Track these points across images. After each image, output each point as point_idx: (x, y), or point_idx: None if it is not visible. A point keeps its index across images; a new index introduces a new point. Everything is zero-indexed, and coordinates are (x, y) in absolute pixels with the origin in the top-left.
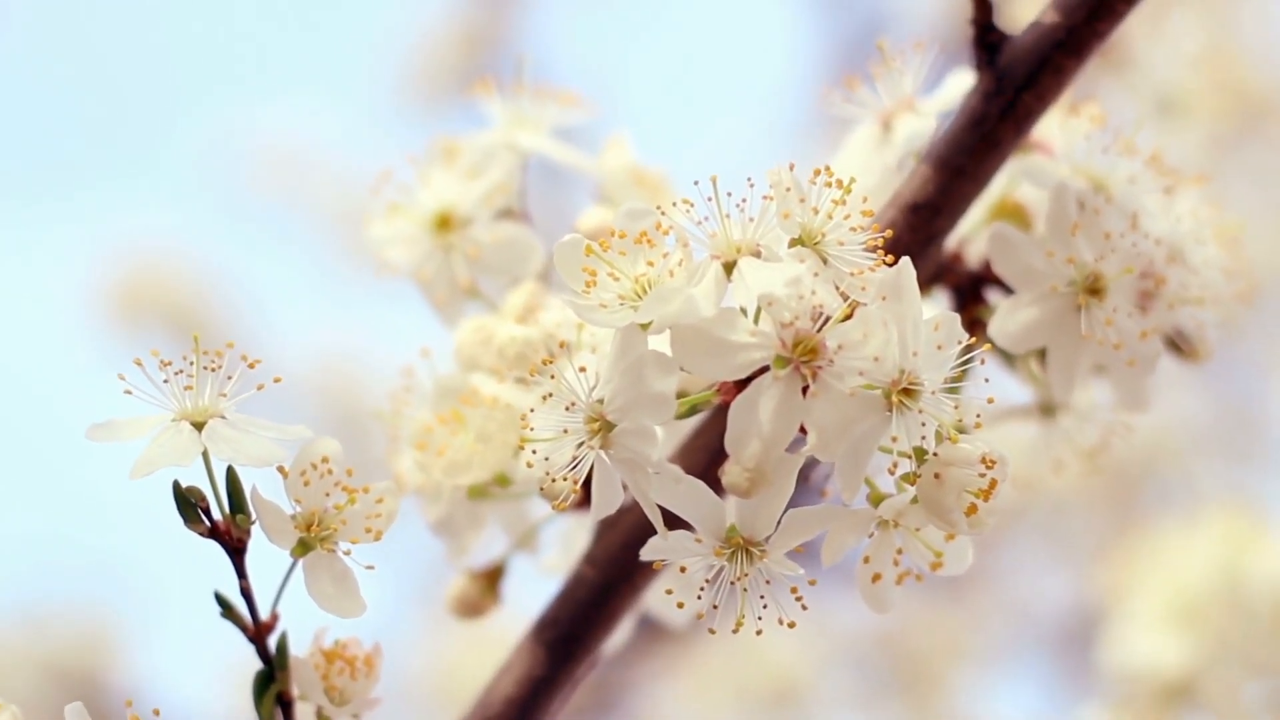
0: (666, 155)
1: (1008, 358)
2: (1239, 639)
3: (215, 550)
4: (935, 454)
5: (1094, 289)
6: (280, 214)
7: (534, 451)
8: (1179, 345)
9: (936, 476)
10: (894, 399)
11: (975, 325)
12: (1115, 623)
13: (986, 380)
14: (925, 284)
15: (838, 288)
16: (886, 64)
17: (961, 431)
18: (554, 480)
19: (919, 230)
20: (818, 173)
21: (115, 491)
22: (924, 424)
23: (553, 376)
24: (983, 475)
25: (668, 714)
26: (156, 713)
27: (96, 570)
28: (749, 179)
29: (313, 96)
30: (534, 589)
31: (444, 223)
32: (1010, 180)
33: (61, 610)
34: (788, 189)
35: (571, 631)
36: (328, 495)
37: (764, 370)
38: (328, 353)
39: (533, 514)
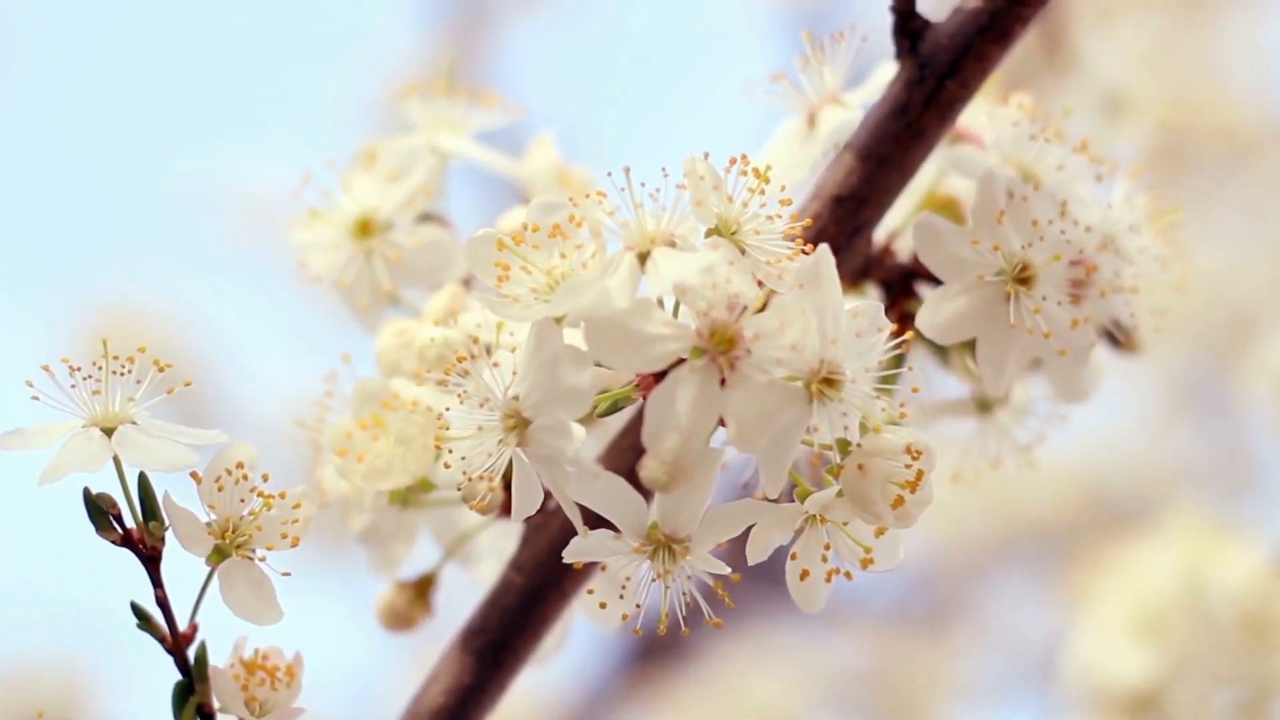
0: (645, 178)
1: (941, 352)
2: (1203, 649)
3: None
4: (859, 445)
5: (1022, 278)
6: (255, 261)
7: (450, 451)
8: (1115, 336)
9: (860, 468)
10: (814, 389)
11: (906, 319)
12: (1079, 635)
13: (910, 369)
14: (854, 278)
15: (755, 277)
16: (811, 56)
17: (890, 423)
18: (471, 481)
19: (844, 222)
20: (733, 161)
21: (91, 540)
22: (846, 414)
23: (466, 374)
24: (909, 466)
25: None
26: None
27: (74, 621)
28: (663, 169)
29: (284, 142)
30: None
31: (364, 227)
32: (940, 171)
33: (39, 661)
34: (701, 177)
35: (500, 639)
36: (243, 501)
37: (681, 362)
38: (300, 397)
39: (463, 522)
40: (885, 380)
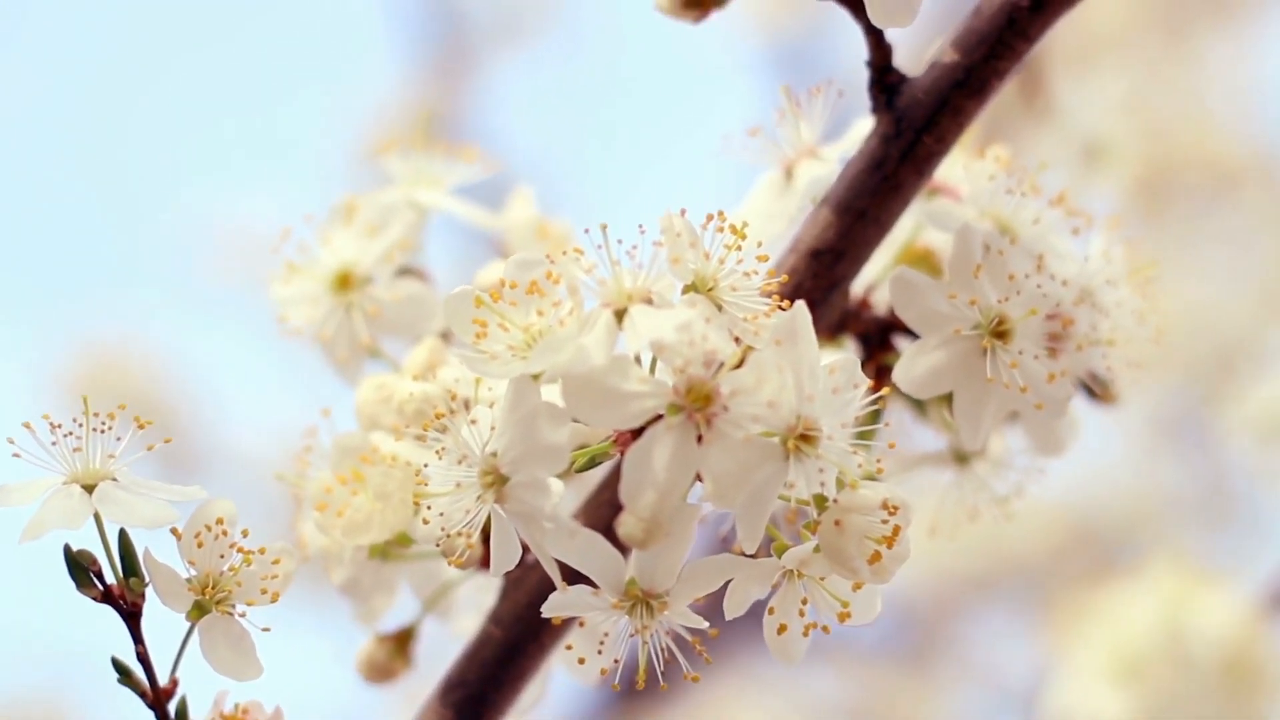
0: (627, 223)
1: (918, 405)
2: (1184, 694)
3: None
4: (835, 501)
5: (999, 332)
6: (240, 300)
7: (429, 507)
8: (1092, 389)
9: (837, 524)
10: (791, 445)
11: (883, 372)
12: (1059, 677)
13: (887, 424)
14: (832, 332)
15: (732, 334)
16: (788, 110)
17: (867, 478)
18: (450, 536)
19: (821, 276)
20: (710, 218)
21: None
22: (823, 470)
23: (445, 430)
24: (885, 521)
25: None
26: None
27: (57, 663)
28: (640, 226)
29: (269, 180)
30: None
31: (344, 281)
32: (917, 224)
33: (21, 699)
34: (679, 234)
35: (479, 692)
36: (222, 557)
37: (659, 419)
38: (288, 438)
39: (442, 575)
40: (862, 435)
